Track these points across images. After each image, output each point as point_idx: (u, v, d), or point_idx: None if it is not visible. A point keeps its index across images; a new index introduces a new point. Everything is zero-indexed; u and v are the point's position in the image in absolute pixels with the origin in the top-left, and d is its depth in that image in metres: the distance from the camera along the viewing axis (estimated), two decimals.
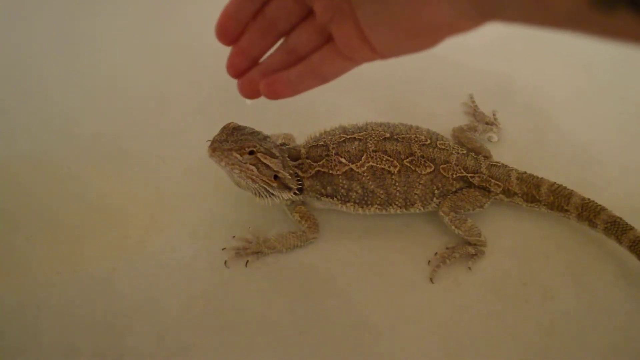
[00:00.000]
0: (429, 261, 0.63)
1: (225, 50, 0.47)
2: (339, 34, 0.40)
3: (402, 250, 0.65)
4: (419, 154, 0.64)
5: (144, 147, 0.75)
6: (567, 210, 0.64)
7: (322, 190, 0.64)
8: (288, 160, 0.63)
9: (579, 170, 0.72)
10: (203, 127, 0.64)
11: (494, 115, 0.78)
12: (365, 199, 0.64)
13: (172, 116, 0.80)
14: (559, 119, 0.80)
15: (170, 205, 0.69)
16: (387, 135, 0.65)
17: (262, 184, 0.60)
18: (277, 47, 0.46)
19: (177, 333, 0.58)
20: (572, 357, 0.56)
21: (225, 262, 0.63)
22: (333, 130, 0.67)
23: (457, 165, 0.65)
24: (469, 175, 0.65)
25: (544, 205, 0.65)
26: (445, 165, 0.65)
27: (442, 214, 0.64)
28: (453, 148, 0.67)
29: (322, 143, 0.65)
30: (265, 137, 0.62)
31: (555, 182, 0.66)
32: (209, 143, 0.58)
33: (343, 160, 0.63)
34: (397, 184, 0.64)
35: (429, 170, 0.64)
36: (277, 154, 0.61)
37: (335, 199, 0.64)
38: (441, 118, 0.77)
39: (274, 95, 0.45)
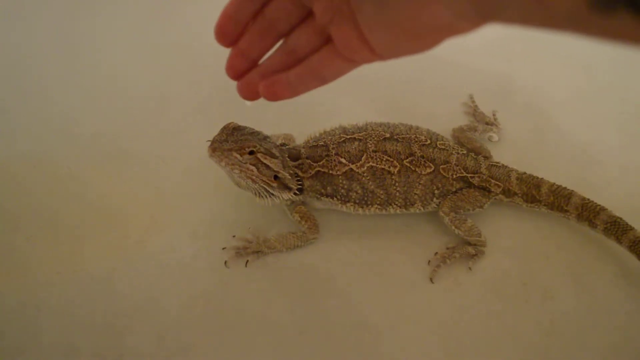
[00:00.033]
0: (429, 261, 0.63)
1: (225, 51, 0.47)
2: (338, 35, 0.40)
3: (402, 250, 0.65)
4: (419, 154, 0.64)
5: (144, 147, 0.75)
6: (567, 211, 0.64)
7: (322, 191, 0.64)
8: (288, 161, 0.63)
9: (579, 170, 0.72)
10: (203, 127, 0.64)
11: (494, 115, 0.79)
12: (365, 199, 0.64)
13: (172, 116, 0.80)
14: (559, 119, 0.80)
15: (170, 205, 0.69)
16: (387, 135, 0.65)
17: (262, 184, 0.60)
18: (277, 48, 0.46)
19: (177, 333, 0.58)
20: (572, 357, 0.57)
21: (225, 262, 0.63)
22: (333, 130, 0.67)
23: (457, 166, 0.65)
24: (469, 175, 0.65)
25: (544, 205, 0.65)
26: (445, 166, 0.65)
27: (442, 214, 0.64)
28: (453, 148, 0.67)
29: (322, 143, 0.65)
30: (265, 137, 0.62)
31: (555, 183, 0.66)
32: (209, 143, 0.58)
33: (343, 160, 0.63)
34: (397, 184, 0.64)
35: (429, 170, 0.64)
36: (277, 154, 0.61)
37: (335, 199, 0.64)
38: (441, 118, 0.77)
39: (273, 96, 0.45)
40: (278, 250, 0.64)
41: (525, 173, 0.67)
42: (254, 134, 0.61)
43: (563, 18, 0.29)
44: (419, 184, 0.64)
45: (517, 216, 0.68)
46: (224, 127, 0.60)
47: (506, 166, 0.68)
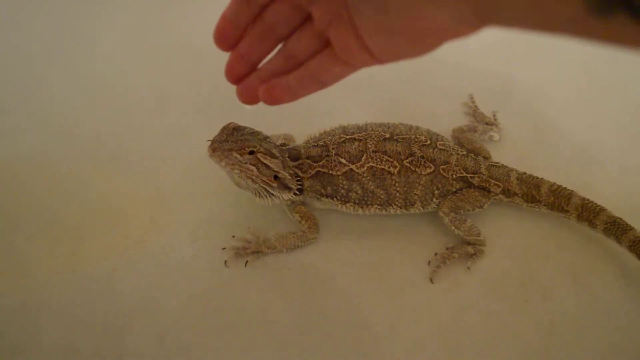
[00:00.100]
0: (429, 261, 0.63)
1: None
2: (337, 39, 0.40)
3: (402, 251, 0.65)
4: (419, 155, 0.64)
5: (144, 147, 0.75)
6: (567, 211, 0.65)
7: (322, 191, 0.64)
8: (288, 161, 0.63)
9: (579, 171, 0.73)
10: (203, 127, 0.64)
11: (494, 115, 0.79)
12: (365, 199, 0.64)
13: (172, 116, 0.80)
14: (558, 120, 0.80)
15: (170, 205, 0.69)
16: (387, 135, 0.65)
17: (262, 184, 0.60)
18: (276, 52, 0.46)
19: (177, 333, 0.58)
20: (572, 357, 0.57)
21: (225, 262, 0.63)
22: (333, 130, 0.67)
23: (457, 166, 0.65)
24: (469, 175, 0.65)
25: (544, 205, 0.65)
26: (445, 166, 0.65)
27: (442, 214, 0.64)
28: (453, 149, 0.67)
29: (322, 143, 0.65)
30: (265, 138, 0.62)
31: (555, 183, 0.66)
32: (209, 143, 0.58)
33: (343, 160, 0.63)
34: (397, 184, 0.64)
35: (429, 170, 0.64)
36: (277, 154, 0.61)
37: (335, 199, 0.64)
38: (441, 118, 0.77)
39: (273, 100, 0.45)
40: (278, 250, 0.64)
41: (525, 173, 0.67)
42: (254, 134, 0.61)
43: (561, 22, 0.29)
44: (419, 184, 0.64)
45: (517, 216, 0.68)
46: (224, 127, 0.60)
47: (506, 166, 0.68)
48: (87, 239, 0.65)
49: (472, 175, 0.66)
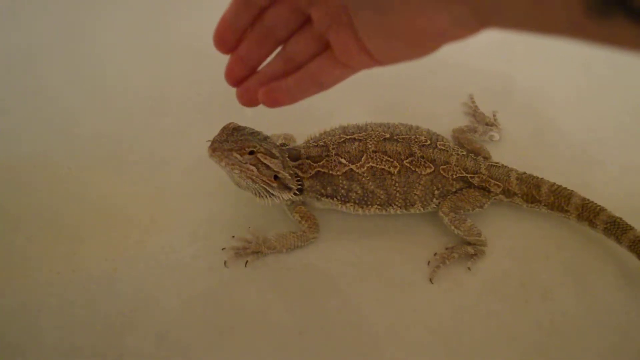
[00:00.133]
0: (429, 262, 0.63)
1: None
2: (336, 42, 0.40)
3: (402, 251, 0.65)
4: (419, 155, 0.64)
5: (144, 147, 0.75)
6: (567, 211, 0.65)
7: (322, 191, 0.64)
8: (288, 161, 0.63)
9: (579, 171, 0.72)
10: (203, 127, 0.64)
11: (494, 115, 0.79)
12: (365, 199, 0.64)
13: (172, 116, 0.80)
14: (558, 120, 0.80)
15: (170, 205, 0.69)
16: (387, 135, 0.65)
17: (262, 184, 0.60)
18: (275, 55, 0.46)
19: (177, 333, 0.58)
20: (572, 357, 0.57)
21: (225, 262, 0.63)
22: (333, 130, 0.67)
23: (457, 166, 0.65)
24: (469, 175, 0.65)
25: (544, 205, 0.65)
26: (445, 166, 0.65)
27: (442, 215, 0.64)
28: (453, 149, 0.67)
29: (322, 143, 0.65)
30: (266, 138, 0.62)
31: (555, 183, 0.66)
32: (209, 143, 0.58)
33: (343, 160, 0.63)
34: (397, 184, 0.64)
35: (429, 170, 0.64)
36: (277, 154, 0.61)
37: (335, 199, 0.64)
38: (441, 118, 0.77)
39: (272, 103, 0.45)
40: (278, 250, 0.64)
41: (525, 173, 0.67)
42: (254, 134, 0.61)
43: (560, 24, 0.29)
44: (419, 184, 0.64)
45: (517, 216, 0.68)
46: (224, 128, 0.60)
47: (506, 166, 0.68)
48: (87, 239, 0.65)
49: (472, 175, 0.66)
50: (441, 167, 0.64)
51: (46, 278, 0.61)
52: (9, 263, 0.63)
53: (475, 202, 0.65)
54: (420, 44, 0.37)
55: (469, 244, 0.64)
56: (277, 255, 0.64)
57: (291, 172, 0.63)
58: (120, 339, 0.57)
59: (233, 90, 0.48)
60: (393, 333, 0.58)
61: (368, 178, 0.63)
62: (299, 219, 0.65)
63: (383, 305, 0.60)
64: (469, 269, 0.63)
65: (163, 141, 0.76)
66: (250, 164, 0.59)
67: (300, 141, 0.69)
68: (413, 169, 0.63)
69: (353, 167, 0.63)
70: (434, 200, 0.65)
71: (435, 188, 0.65)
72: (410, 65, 0.41)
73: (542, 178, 0.66)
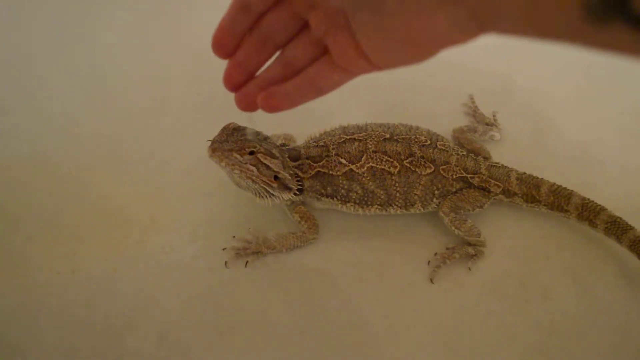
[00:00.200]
0: (429, 262, 0.63)
1: None
2: (334, 46, 0.40)
3: (402, 251, 0.65)
4: (419, 155, 0.64)
5: (144, 147, 0.75)
6: (567, 211, 0.65)
7: (322, 191, 0.64)
8: (288, 161, 0.63)
9: (579, 171, 0.72)
10: (203, 127, 0.64)
11: (494, 116, 0.79)
12: (366, 199, 0.64)
13: (172, 116, 0.80)
14: (558, 120, 0.80)
15: (170, 205, 0.69)
16: (387, 135, 0.65)
17: (262, 185, 0.60)
18: (274, 60, 0.46)
19: (177, 333, 0.58)
20: (572, 357, 0.57)
21: (226, 263, 0.63)
22: (333, 130, 0.67)
23: (457, 166, 0.65)
24: (469, 175, 0.65)
25: (544, 205, 0.66)
26: (445, 166, 0.65)
27: (442, 215, 0.64)
28: (453, 149, 0.67)
29: (322, 144, 0.65)
30: (266, 138, 0.62)
31: (555, 183, 0.66)
32: (209, 143, 0.58)
33: (343, 160, 0.63)
34: (397, 184, 0.64)
35: (429, 170, 0.64)
36: (277, 154, 0.61)
37: (335, 199, 0.64)
38: (441, 119, 0.77)
39: (271, 108, 0.45)
40: (278, 250, 0.64)
41: (525, 173, 0.67)
42: (254, 134, 0.61)
43: (559, 29, 0.29)
44: (419, 184, 0.64)
45: (517, 216, 0.68)
46: (224, 128, 0.60)
47: (506, 166, 0.68)
48: (87, 239, 0.65)
49: (472, 175, 0.66)
50: (441, 167, 0.64)
51: (46, 278, 0.61)
52: (9, 263, 0.63)
53: (476, 202, 0.65)
54: (418, 47, 0.37)
55: (469, 244, 0.64)
56: (277, 255, 0.64)
57: (291, 172, 0.63)
58: (120, 339, 0.57)
59: None
60: (393, 333, 0.58)
61: (368, 178, 0.63)
62: (299, 219, 0.65)
63: (383, 305, 0.60)
64: (469, 269, 0.63)
65: (163, 141, 0.76)
66: (250, 164, 0.59)
67: (300, 141, 0.69)
68: (413, 169, 0.63)
69: (353, 167, 0.63)
70: (434, 200, 0.65)
71: (435, 188, 0.65)
72: (411, 65, 0.41)
73: (542, 178, 0.66)
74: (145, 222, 0.67)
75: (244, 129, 0.61)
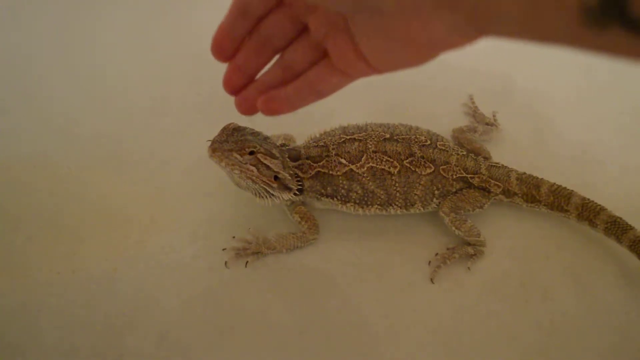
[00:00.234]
0: (429, 262, 0.63)
1: None
2: (334, 49, 0.40)
3: (402, 251, 0.65)
4: (419, 155, 0.64)
5: (144, 147, 0.75)
6: (567, 211, 0.65)
7: (322, 191, 0.64)
8: (288, 161, 0.63)
9: (579, 171, 0.73)
10: (203, 127, 0.64)
11: (494, 116, 0.79)
12: (366, 199, 0.64)
13: (172, 116, 0.80)
14: (558, 120, 0.80)
15: (170, 205, 0.69)
16: (387, 135, 0.65)
17: (262, 185, 0.60)
18: (273, 63, 0.46)
19: (177, 333, 0.58)
20: (572, 357, 0.57)
21: (226, 263, 0.63)
22: (333, 130, 0.67)
23: (457, 166, 0.65)
24: (469, 176, 0.65)
25: (544, 205, 0.66)
26: (445, 166, 0.65)
27: (442, 215, 0.64)
28: (453, 149, 0.67)
29: (322, 144, 0.65)
30: (266, 138, 0.62)
31: (555, 183, 0.66)
32: (209, 143, 0.58)
33: (343, 160, 0.63)
34: (397, 184, 0.64)
35: (429, 171, 0.64)
36: (277, 154, 0.61)
37: (335, 199, 0.64)
38: (441, 119, 0.77)
39: (271, 112, 0.45)
40: (278, 250, 0.64)
41: (525, 173, 0.67)
42: (254, 134, 0.61)
43: (557, 33, 0.29)
44: (419, 184, 0.64)
45: (517, 216, 0.68)
46: (224, 128, 0.60)
47: (506, 166, 0.68)
48: (87, 239, 0.65)
49: (472, 175, 0.66)
50: (441, 167, 0.64)
51: (46, 278, 0.61)
52: (9, 263, 0.63)
53: (476, 202, 0.65)
54: (417, 50, 0.37)
55: (469, 244, 0.64)
56: (277, 255, 0.64)
57: (291, 172, 0.63)
58: (120, 339, 0.57)
59: None
60: (393, 333, 0.58)
61: (368, 178, 0.63)
62: (299, 219, 0.65)
63: (383, 305, 0.60)
64: (469, 269, 0.63)
65: (163, 141, 0.76)
66: (250, 165, 0.59)
67: (300, 141, 0.69)
68: (413, 169, 0.64)
69: (353, 167, 0.63)
70: (434, 200, 0.65)
71: (435, 188, 0.65)
72: (410, 68, 0.41)
73: (542, 178, 0.66)
74: (145, 222, 0.67)
75: (244, 129, 0.61)
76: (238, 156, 0.58)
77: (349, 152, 0.64)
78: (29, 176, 0.71)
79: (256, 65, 0.46)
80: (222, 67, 0.47)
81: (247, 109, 0.47)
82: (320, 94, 0.44)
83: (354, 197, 0.64)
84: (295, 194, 0.63)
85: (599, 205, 0.63)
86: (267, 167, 0.60)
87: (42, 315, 0.58)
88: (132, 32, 0.92)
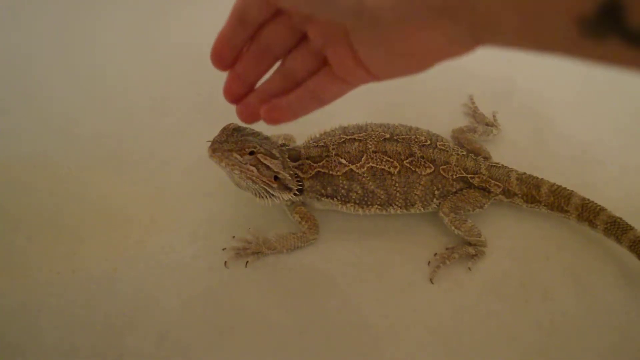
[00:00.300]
0: (429, 262, 0.63)
1: None
2: (334, 57, 0.40)
3: (402, 251, 0.65)
4: (419, 155, 0.64)
5: (144, 147, 0.75)
6: (567, 211, 0.65)
7: (322, 191, 0.64)
8: (288, 161, 0.63)
9: (579, 171, 0.73)
10: (203, 127, 0.64)
11: (494, 116, 0.79)
12: (366, 199, 0.64)
13: (172, 116, 0.80)
14: (558, 120, 0.80)
15: (170, 205, 0.69)
16: (387, 136, 0.65)
17: (262, 185, 0.60)
18: (274, 71, 0.46)
19: (177, 333, 0.58)
20: (572, 357, 0.57)
21: (225, 263, 0.63)
22: (333, 130, 0.67)
23: (457, 166, 0.65)
24: (469, 176, 0.65)
25: (544, 205, 0.66)
26: (445, 166, 0.65)
27: (442, 215, 0.64)
28: (453, 149, 0.67)
29: (322, 144, 0.65)
30: (266, 138, 0.62)
31: (555, 183, 0.66)
32: (209, 143, 0.58)
33: (343, 161, 0.63)
34: (397, 184, 0.64)
35: (429, 171, 0.64)
36: (277, 154, 0.61)
37: (335, 199, 0.64)
38: (441, 119, 0.77)
39: (274, 121, 0.45)
40: (278, 250, 0.64)
41: (525, 173, 0.67)
42: (254, 134, 0.61)
43: (555, 44, 0.29)
44: (419, 184, 0.64)
45: (517, 217, 0.68)
46: (224, 128, 0.60)
47: (506, 166, 0.68)
48: (87, 239, 0.65)
49: (472, 175, 0.66)
50: (441, 167, 0.64)
51: (46, 278, 0.61)
52: (9, 263, 0.63)
53: (476, 202, 0.65)
54: (417, 60, 0.37)
55: (469, 244, 0.64)
56: (277, 255, 0.64)
57: (291, 172, 0.63)
58: (120, 339, 0.57)
59: None
60: (393, 333, 0.58)
61: (368, 178, 0.63)
62: (299, 219, 0.65)
63: (383, 305, 0.60)
64: (469, 269, 0.63)
65: (163, 141, 0.76)
66: (250, 165, 0.59)
67: (300, 141, 0.69)
68: (413, 169, 0.64)
69: (353, 167, 0.63)
70: (434, 200, 0.65)
71: (435, 188, 0.65)
72: (410, 76, 0.41)
73: (542, 178, 0.66)
74: (145, 222, 0.67)
75: (244, 129, 0.61)
76: (238, 156, 0.58)
77: (349, 152, 0.64)
78: (29, 176, 0.71)
79: (256, 74, 0.45)
80: None
81: (249, 117, 0.47)
82: (322, 102, 0.44)
83: (354, 197, 0.64)
84: (295, 194, 0.63)
85: (599, 205, 0.63)
86: (267, 167, 0.60)
87: (42, 315, 0.58)
88: (132, 32, 0.92)
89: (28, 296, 0.60)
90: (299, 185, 0.63)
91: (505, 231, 0.67)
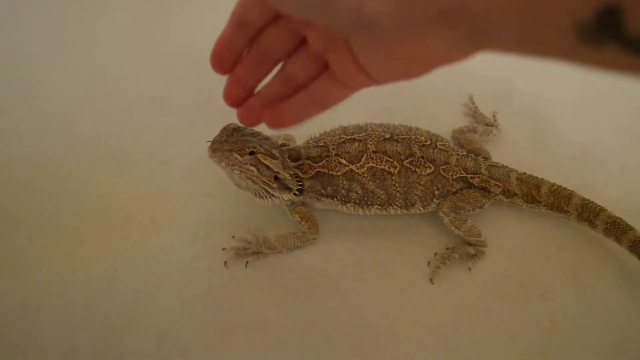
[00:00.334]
0: (429, 262, 0.63)
1: None
2: (334, 61, 0.41)
3: (402, 251, 0.65)
4: (419, 155, 0.64)
5: (144, 147, 0.75)
6: (567, 211, 0.65)
7: (322, 191, 0.64)
8: (288, 161, 0.63)
9: (579, 171, 0.73)
10: (203, 127, 0.64)
11: (494, 116, 0.79)
12: (366, 199, 0.64)
13: (172, 116, 0.80)
14: (558, 120, 0.80)
15: (170, 205, 0.69)
16: (387, 136, 0.65)
17: (262, 185, 0.60)
18: (275, 75, 0.46)
19: (177, 333, 0.58)
20: (572, 357, 0.57)
21: (225, 263, 0.63)
22: (333, 131, 0.67)
23: (457, 166, 0.65)
24: (469, 176, 0.65)
25: (544, 206, 0.66)
26: (445, 166, 0.65)
27: (442, 215, 0.64)
28: (453, 149, 0.67)
29: (322, 144, 0.65)
30: (266, 138, 0.62)
31: (555, 183, 0.66)
32: (209, 143, 0.58)
33: (343, 161, 0.63)
34: (397, 184, 0.64)
35: (429, 171, 0.64)
36: (277, 154, 0.61)
37: (335, 199, 0.64)
38: (441, 119, 0.77)
39: (277, 126, 0.45)
40: (278, 250, 0.64)
41: (525, 173, 0.67)
42: (254, 134, 0.61)
43: (553, 50, 0.29)
44: (419, 184, 0.64)
45: (517, 217, 0.68)
46: (224, 128, 0.60)
47: (506, 166, 0.68)
48: (87, 239, 0.65)
49: (472, 175, 0.66)
50: (441, 167, 0.64)
51: (46, 278, 0.61)
52: (9, 263, 0.63)
53: (476, 202, 0.65)
54: (417, 66, 0.37)
55: (469, 244, 0.64)
56: (277, 255, 0.64)
57: (291, 172, 0.63)
58: (120, 339, 0.57)
59: None
60: (393, 333, 0.58)
61: (368, 178, 0.63)
62: (299, 219, 0.65)
63: (383, 305, 0.60)
64: (469, 269, 0.63)
65: (163, 141, 0.76)
66: (250, 165, 0.59)
67: (300, 141, 0.69)
68: (413, 169, 0.64)
69: (353, 167, 0.63)
70: (434, 200, 0.65)
71: (435, 188, 0.65)
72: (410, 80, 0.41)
73: (542, 178, 0.66)
74: (145, 222, 0.67)
75: (244, 129, 0.61)
76: (238, 156, 0.58)
77: (349, 152, 0.64)
78: (29, 176, 0.71)
79: (256, 78, 0.45)
80: None
81: (250, 120, 0.47)
82: (324, 106, 0.44)
83: (354, 197, 0.64)
84: (295, 194, 0.63)
85: (599, 206, 0.63)
86: (267, 167, 0.60)
87: (42, 315, 0.58)
88: (132, 32, 0.92)
89: (28, 296, 0.60)
90: (299, 185, 0.63)
91: (505, 231, 0.67)
